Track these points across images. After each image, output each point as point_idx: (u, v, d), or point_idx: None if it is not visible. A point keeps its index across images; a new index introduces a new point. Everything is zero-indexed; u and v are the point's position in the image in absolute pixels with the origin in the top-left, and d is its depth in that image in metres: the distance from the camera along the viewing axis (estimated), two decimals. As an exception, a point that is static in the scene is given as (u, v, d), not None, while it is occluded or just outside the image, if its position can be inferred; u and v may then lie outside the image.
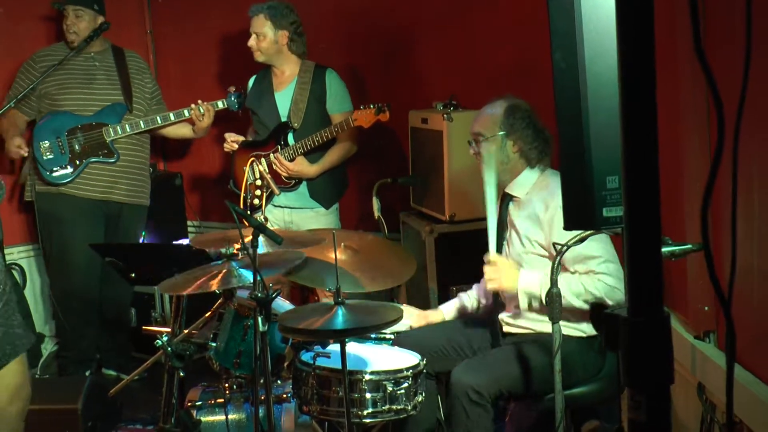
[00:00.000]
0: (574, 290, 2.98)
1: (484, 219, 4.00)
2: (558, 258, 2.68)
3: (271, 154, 4.43)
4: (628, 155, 1.22)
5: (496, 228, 3.31)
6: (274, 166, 4.43)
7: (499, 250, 3.28)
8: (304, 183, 4.48)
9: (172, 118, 4.87)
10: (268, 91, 4.57)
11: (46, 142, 4.66)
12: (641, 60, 1.19)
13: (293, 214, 4.54)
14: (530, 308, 3.11)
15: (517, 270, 3.13)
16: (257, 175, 4.41)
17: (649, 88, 1.19)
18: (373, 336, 3.31)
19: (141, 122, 4.82)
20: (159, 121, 4.85)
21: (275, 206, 4.54)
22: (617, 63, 1.20)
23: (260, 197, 4.39)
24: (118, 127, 4.74)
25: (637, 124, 1.21)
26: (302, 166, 4.41)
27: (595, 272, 2.97)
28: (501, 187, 3.29)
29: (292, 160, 4.39)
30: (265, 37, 4.45)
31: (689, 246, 2.12)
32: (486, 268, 3.15)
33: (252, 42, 4.48)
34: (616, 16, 1.20)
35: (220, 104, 4.87)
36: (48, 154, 4.65)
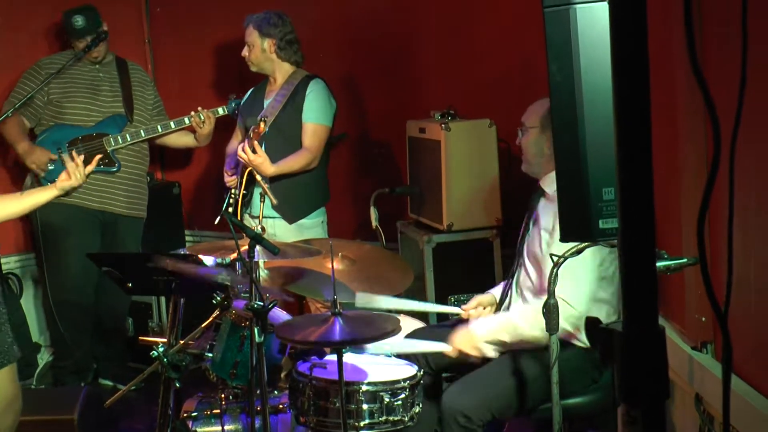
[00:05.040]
0: (532, 322, 2.99)
1: (483, 228, 4.01)
2: (555, 270, 2.67)
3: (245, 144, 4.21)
4: (622, 167, 1.21)
5: (524, 220, 3.30)
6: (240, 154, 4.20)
7: (521, 244, 3.27)
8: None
9: (173, 126, 4.89)
10: (260, 98, 4.54)
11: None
12: (635, 71, 1.19)
13: (275, 225, 4.37)
14: (500, 347, 3.13)
15: (468, 329, 3.16)
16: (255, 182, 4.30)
17: (643, 98, 1.19)
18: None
19: (142, 131, 4.84)
20: (159, 130, 4.88)
21: (253, 217, 4.37)
22: (611, 73, 1.20)
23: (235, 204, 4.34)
24: (119, 137, 4.76)
25: (631, 135, 1.20)
26: (264, 160, 4.16)
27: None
28: (535, 178, 3.28)
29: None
30: (254, 46, 4.45)
31: (684, 260, 2.11)
32: (450, 354, 3.18)
33: (245, 52, 4.49)
34: (609, 27, 1.19)
35: (221, 111, 4.88)
36: (49, 165, 4.64)
